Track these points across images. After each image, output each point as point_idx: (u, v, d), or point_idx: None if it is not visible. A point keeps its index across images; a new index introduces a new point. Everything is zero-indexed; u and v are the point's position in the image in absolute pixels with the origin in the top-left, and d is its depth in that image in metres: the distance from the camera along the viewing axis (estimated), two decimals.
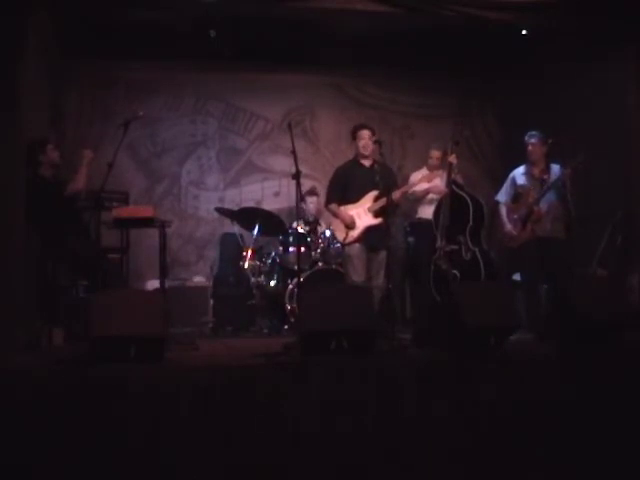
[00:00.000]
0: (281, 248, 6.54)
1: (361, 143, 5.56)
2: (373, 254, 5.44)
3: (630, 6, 5.66)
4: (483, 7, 5.74)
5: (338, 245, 6.08)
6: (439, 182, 6.28)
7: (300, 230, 6.23)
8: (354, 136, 5.66)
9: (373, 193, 5.49)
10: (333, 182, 5.70)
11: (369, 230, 5.45)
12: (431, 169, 6.42)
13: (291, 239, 6.47)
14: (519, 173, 5.93)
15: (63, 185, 5.21)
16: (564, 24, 5.94)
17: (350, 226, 5.47)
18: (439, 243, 5.61)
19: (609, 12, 5.73)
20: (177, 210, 7.71)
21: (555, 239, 5.67)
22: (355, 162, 5.67)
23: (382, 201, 5.37)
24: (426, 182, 6.06)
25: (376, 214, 5.45)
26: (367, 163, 5.60)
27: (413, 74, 7.85)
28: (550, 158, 5.83)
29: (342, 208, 5.55)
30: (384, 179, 5.40)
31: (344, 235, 5.52)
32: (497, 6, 5.75)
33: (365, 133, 5.58)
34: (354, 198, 5.54)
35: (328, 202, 5.68)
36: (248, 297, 6.58)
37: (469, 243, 5.52)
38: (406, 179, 6.56)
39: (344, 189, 5.58)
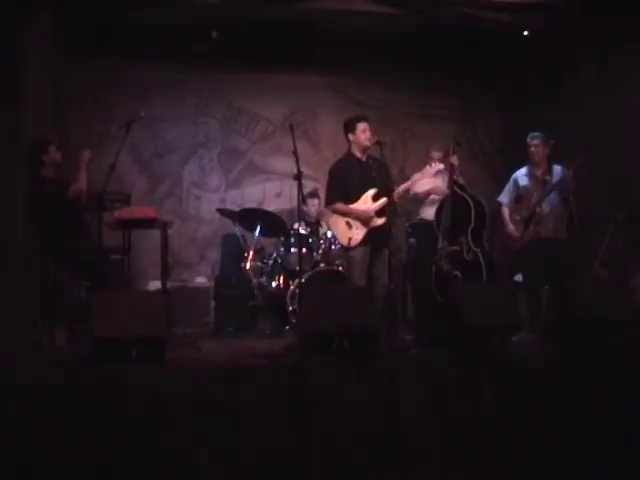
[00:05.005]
0: (282, 249, 6.54)
1: (364, 136, 5.32)
2: (377, 254, 5.30)
3: (631, 6, 5.65)
4: (484, 8, 5.75)
5: (340, 246, 6.06)
6: (441, 183, 6.28)
7: (302, 231, 6.22)
8: (352, 128, 5.38)
9: (372, 191, 5.33)
10: (333, 181, 5.45)
11: (373, 231, 5.32)
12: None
13: (292, 240, 6.46)
14: (521, 174, 5.93)
15: (65, 186, 5.22)
16: (565, 24, 5.94)
17: (367, 221, 5.27)
18: (441, 244, 5.60)
19: (610, 12, 5.72)
20: (179, 211, 7.72)
21: (557, 240, 5.68)
22: (350, 158, 5.44)
23: (382, 200, 5.24)
24: (428, 177, 5.90)
25: (378, 214, 5.30)
26: (363, 157, 5.40)
27: (413, 74, 7.85)
28: (552, 159, 5.83)
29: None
30: (381, 175, 5.32)
31: (347, 240, 5.34)
32: (498, 7, 5.75)
33: (366, 125, 5.36)
34: (354, 197, 5.37)
35: (331, 202, 5.44)
36: (250, 298, 6.57)
37: (471, 244, 5.50)
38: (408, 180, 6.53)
39: (345, 187, 5.37)
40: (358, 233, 5.33)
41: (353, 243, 5.33)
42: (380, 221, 5.28)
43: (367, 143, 5.36)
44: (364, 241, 5.31)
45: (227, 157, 7.93)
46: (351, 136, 5.41)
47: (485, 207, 5.65)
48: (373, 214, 5.30)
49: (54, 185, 5.18)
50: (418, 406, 3.79)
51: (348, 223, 5.38)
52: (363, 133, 5.34)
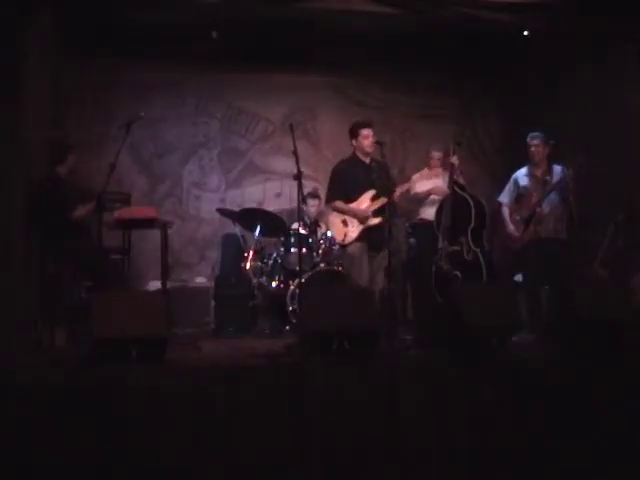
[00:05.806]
0: (282, 249, 6.53)
1: (366, 142, 5.43)
2: (374, 253, 5.41)
3: (628, 6, 5.65)
4: (484, 8, 5.75)
5: (339, 246, 6.06)
6: (441, 183, 6.28)
7: (301, 231, 6.21)
8: (355, 134, 5.50)
9: (370, 192, 5.45)
10: (334, 180, 5.58)
11: (369, 230, 5.41)
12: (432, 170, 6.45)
13: (292, 240, 6.46)
14: (521, 174, 5.93)
15: (74, 195, 5.21)
16: (562, 24, 5.94)
17: (363, 220, 5.40)
18: (441, 244, 5.60)
19: (609, 12, 5.73)
20: (179, 211, 7.71)
21: (557, 240, 5.68)
22: (354, 159, 5.57)
23: (380, 201, 5.35)
24: (425, 179, 5.99)
25: (375, 214, 5.40)
26: (367, 160, 5.53)
27: (413, 74, 7.86)
28: (552, 159, 5.83)
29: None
30: (381, 177, 5.40)
31: (342, 236, 5.48)
32: (498, 7, 5.76)
33: (369, 131, 5.45)
34: (353, 197, 5.49)
35: (331, 200, 5.57)
36: (249, 298, 6.57)
37: (471, 244, 5.50)
38: (408, 181, 6.54)
39: (345, 187, 5.50)
40: (353, 230, 5.46)
41: (348, 240, 5.45)
42: (376, 220, 5.39)
43: (369, 149, 5.49)
44: (359, 238, 5.43)
45: (227, 157, 7.92)
46: (354, 141, 5.55)
47: (485, 207, 5.65)
48: (370, 214, 5.42)
49: (62, 184, 5.18)
50: (418, 406, 3.79)
51: (344, 221, 5.51)
52: (365, 139, 5.46)
